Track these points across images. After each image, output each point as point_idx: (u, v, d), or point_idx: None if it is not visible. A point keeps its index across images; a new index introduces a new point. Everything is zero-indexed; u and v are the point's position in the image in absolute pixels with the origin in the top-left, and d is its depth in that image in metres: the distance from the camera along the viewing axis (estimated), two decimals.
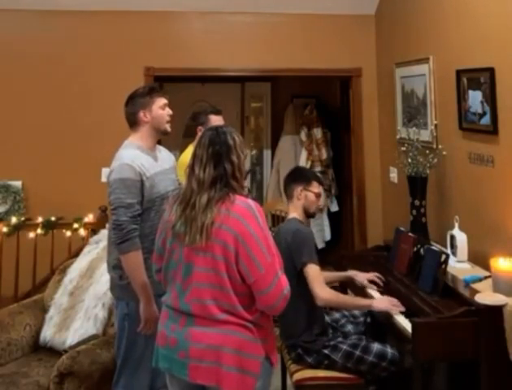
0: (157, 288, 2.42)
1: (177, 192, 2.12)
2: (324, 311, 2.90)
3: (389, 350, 2.70)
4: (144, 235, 2.44)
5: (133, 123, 2.60)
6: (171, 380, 2.07)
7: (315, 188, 2.90)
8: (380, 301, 2.78)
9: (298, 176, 2.94)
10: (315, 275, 2.68)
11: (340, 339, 2.78)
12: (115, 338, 2.60)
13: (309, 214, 2.94)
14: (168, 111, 2.65)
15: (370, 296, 2.95)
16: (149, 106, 2.58)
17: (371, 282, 3.04)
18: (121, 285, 2.50)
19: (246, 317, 1.94)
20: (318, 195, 2.91)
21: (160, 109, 2.60)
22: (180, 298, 1.98)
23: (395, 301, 2.75)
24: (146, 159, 2.53)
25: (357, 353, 2.69)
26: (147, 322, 2.41)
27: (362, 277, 3.05)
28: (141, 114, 2.57)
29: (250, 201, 1.99)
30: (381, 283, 3.02)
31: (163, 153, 2.73)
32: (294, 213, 2.89)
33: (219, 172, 1.97)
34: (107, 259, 2.62)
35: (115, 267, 2.52)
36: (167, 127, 2.64)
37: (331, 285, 3.04)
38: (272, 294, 1.90)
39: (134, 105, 2.59)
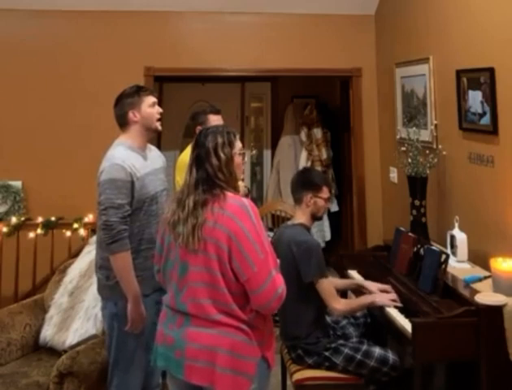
0: (144, 288, 2.43)
1: (176, 192, 2.13)
2: (325, 312, 2.89)
3: (391, 355, 2.70)
4: (132, 235, 2.44)
5: (123, 123, 2.59)
6: (170, 379, 2.09)
7: (325, 193, 2.85)
8: (380, 296, 2.79)
9: (308, 182, 2.86)
10: (328, 289, 2.67)
11: (341, 341, 2.77)
12: (106, 338, 2.60)
13: (316, 218, 2.92)
14: (158, 109, 2.63)
15: (369, 292, 2.90)
16: (137, 106, 2.56)
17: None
18: (109, 285, 2.50)
19: (241, 317, 1.94)
20: (327, 199, 2.88)
21: (149, 107, 2.59)
22: (177, 298, 1.99)
23: (392, 296, 2.77)
24: (137, 159, 2.52)
25: (359, 357, 2.68)
26: (134, 321, 2.41)
27: (374, 287, 2.91)
28: (131, 114, 2.56)
29: (244, 200, 2.00)
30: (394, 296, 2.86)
31: (153, 152, 2.71)
32: (301, 218, 2.85)
33: (200, 175, 2.00)
34: (95, 259, 2.62)
35: (101, 267, 2.52)
36: (158, 125, 2.63)
37: (340, 291, 3.03)
38: (265, 293, 1.90)
39: (123, 105, 2.57)
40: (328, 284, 2.69)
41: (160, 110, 2.65)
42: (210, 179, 1.99)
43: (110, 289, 2.50)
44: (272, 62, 4.64)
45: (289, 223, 2.94)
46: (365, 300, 2.80)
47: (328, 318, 2.94)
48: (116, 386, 2.53)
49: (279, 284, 1.93)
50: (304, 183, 2.88)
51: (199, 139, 2.07)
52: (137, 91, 2.60)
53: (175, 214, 2.00)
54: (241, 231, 1.91)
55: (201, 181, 1.99)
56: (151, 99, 2.61)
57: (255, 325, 1.97)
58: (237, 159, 2.06)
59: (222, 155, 2.01)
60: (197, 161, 2.03)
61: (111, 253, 2.39)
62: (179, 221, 1.98)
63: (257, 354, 1.96)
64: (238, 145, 2.09)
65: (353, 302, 2.83)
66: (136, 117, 2.56)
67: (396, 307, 2.75)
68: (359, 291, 3.00)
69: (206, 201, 1.96)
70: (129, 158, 2.49)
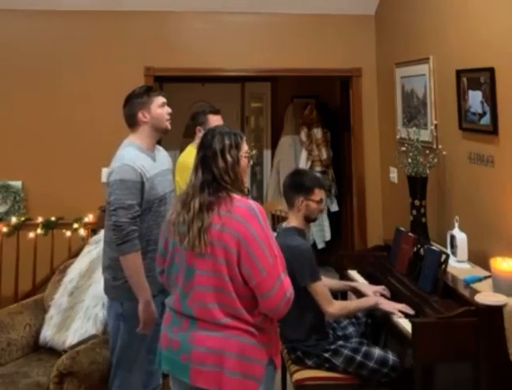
0: (152, 289, 2.43)
1: (181, 193, 2.12)
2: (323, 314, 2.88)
3: (390, 356, 2.69)
4: (140, 235, 2.43)
5: (132, 123, 2.59)
6: (174, 382, 2.06)
7: (317, 195, 2.79)
8: (387, 303, 2.76)
9: (298, 186, 2.80)
10: (321, 292, 2.65)
11: (341, 342, 2.76)
12: (109, 338, 2.60)
13: (310, 220, 2.88)
14: (167, 110, 2.63)
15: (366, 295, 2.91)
16: (147, 106, 2.56)
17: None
18: (115, 286, 2.50)
19: (249, 320, 1.92)
20: (319, 201, 2.82)
21: (159, 108, 2.59)
22: (182, 301, 1.97)
23: (400, 306, 2.72)
24: (146, 160, 2.52)
25: (359, 358, 2.67)
26: (146, 322, 2.40)
27: (368, 289, 2.94)
28: (140, 114, 2.56)
29: (251, 202, 1.97)
30: (388, 295, 2.92)
31: (161, 153, 2.72)
32: (294, 222, 2.81)
33: (206, 178, 1.97)
34: (102, 259, 2.62)
35: (109, 268, 2.52)
36: (167, 125, 2.63)
37: (333, 291, 3.01)
38: (274, 297, 1.89)
39: (132, 105, 2.57)
40: (321, 288, 2.66)
41: (169, 110, 2.65)
42: (215, 181, 1.96)
43: (116, 290, 2.50)
44: (272, 62, 4.64)
45: (283, 225, 2.91)
46: (366, 302, 2.78)
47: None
48: (118, 386, 2.53)
49: (288, 288, 1.91)
50: (294, 186, 2.82)
51: (205, 140, 2.03)
52: (147, 91, 2.60)
53: (179, 216, 1.98)
54: (251, 235, 1.88)
55: (207, 183, 1.96)
56: (161, 99, 2.61)
57: (263, 327, 1.96)
58: (243, 162, 2.03)
59: (229, 158, 1.98)
60: (203, 162, 1.99)
61: (121, 253, 2.38)
62: (184, 223, 1.95)
63: (264, 357, 1.95)
64: (245, 147, 2.05)
65: (350, 305, 2.79)
66: (145, 117, 2.56)
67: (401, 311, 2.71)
68: (359, 293, 2.99)
69: (212, 204, 1.93)
70: (139, 158, 2.49)
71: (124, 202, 2.38)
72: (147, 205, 2.47)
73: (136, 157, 2.48)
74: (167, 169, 2.68)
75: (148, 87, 2.69)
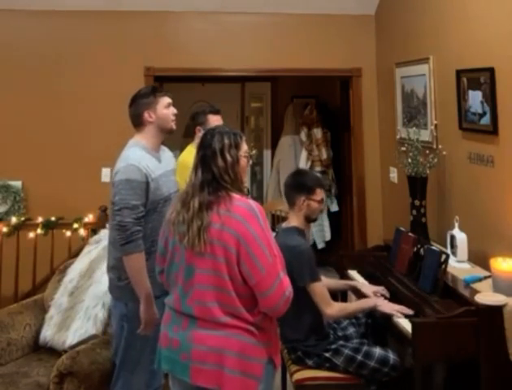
0: (155, 290, 2.43)
1: (180, 193, 2.12)
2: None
3: (391, 356, 2.69)
4: (144, 236, 2.43)
5: (138, 123, 2.59)
6: (173, 382, 2.07)
7: (318, 195, 2.81)
8: (385, 304, 2.76)
9: (300, 185, 2.82)
10: (320, 293, 2.65)
11: (341, 342, 2.77)
12: (113, 339, 2.60)
13: (311, 220, 2.89)
14: (173, 110, 2.64)
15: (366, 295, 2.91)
16: (153, 106, 2.57)
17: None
18: (120, 286, 2.50)
19: (249, 319, 1.93)
20: (321, 201, 2.84)
21: (164, 108, 2.60)
22: (182, 300, 1.98)
23: (399, 307, 2.72)
24: (151, 160, 2.53)
25: (359, 357, 2.67)
26: (147, 323, 2.40)
27: (368, 289, 2.95)
28: (146, 114, 2.56)
29: (251, 202, 1.98)
30: (387, 295, 2.92)
31: (166, 153, 2.72)
32: (295, 221, 2.82)
33: (206, 177, 1.98)
34: (107, 259, 2.62)
35: (113, 268, 2.52)
36: (173, 125, 2.63)
37: (333, 291, 3.02)
38: (274, 296, 1.90)
39: (138, 105, 2.57)
40: (320, 288, 2.67)
41: (175, 111, 2.65)
42: (215, 180, 1.97)
43: (121, 290, 2.51)
44: (272, 62, 4.64)
45: (283, 225, 2.91)
46: (365, 304, 2.79)
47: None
48: (121, 387, 2.52)
49: (287, 287, 1.92)
50: (296, 186, 2.84)
51: (205, 139, 2.04)
52: (153, 91, 2.61)
53: (179, 215, 1.99)
54: (250, 235, 1.90)
55: (207, 183, 1.97)
56: (166, 100, 2.62)
57: (262, 326, 1.96)
58: (243, 162, 2.04)
59: (228, 157, 1.99)
60: (203, 162, 2.00)
61: (125, 253, 2.38)
62: (184, 222, 1.96)
63: (264, 356, 1.95)
64: (244, 147, 2.07)
65: (349, 307, 2.80)
66: (151, 117, 2.57)
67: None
68: (359, 292, 2.99)
69: (212, 203, 1.94)
70: (144, 159, 2.49)
71: (129, 202, 2.38)
72: (152, 206, 2.47)
73: (141, 157, 2.48)
74: (171, 170, 2.68)
75: (154, 87, 2.70)
